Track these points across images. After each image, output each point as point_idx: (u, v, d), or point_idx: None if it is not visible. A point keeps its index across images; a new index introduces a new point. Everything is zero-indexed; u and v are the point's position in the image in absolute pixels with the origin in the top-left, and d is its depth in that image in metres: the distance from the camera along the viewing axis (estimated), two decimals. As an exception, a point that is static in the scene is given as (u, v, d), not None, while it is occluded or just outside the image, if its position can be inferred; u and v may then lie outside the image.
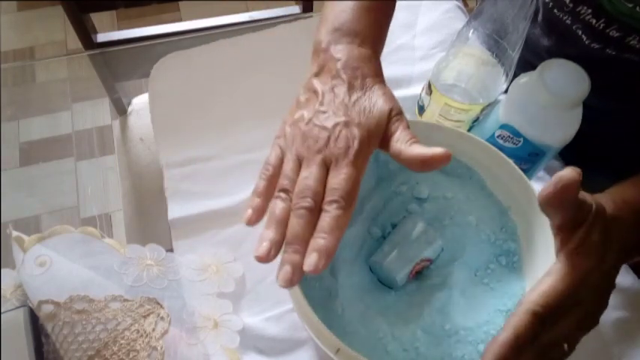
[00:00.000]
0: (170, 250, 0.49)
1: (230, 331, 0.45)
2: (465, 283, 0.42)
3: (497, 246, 0.43)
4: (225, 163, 0.55)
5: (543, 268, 0.39)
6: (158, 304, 0.44)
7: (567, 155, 0.55)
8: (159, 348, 0.41)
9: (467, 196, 0.45)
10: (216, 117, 0.58)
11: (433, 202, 0.45)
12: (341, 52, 0.39)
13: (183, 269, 0.47)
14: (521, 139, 0.46)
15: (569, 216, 0.31)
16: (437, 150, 0.33)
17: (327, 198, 0.33)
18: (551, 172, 0.56)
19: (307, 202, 0.33)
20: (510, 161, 0.42)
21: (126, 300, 0.44)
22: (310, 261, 0.31)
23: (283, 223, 0.33)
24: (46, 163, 0.71)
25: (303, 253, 0.32)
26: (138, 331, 0.42)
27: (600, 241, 0.31)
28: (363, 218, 0.44)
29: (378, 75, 0.39)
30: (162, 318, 0.43)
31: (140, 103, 0.75)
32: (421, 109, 0.54)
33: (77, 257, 0.46)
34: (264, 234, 0.33)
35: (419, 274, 0.44)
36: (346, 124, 0.35)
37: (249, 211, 0.35)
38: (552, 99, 0.42)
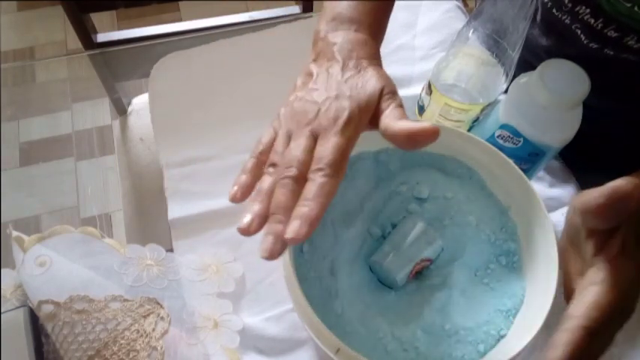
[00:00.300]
0: (170, 250, 0.49)
1: (230, 331, 0.45)
2: (465, 283, 0.42)
3: (497, 246, 0.43)
4: (225, 163, 0.55)
5: (543, 268, 0.39)
6: (158, 304, 0.44)
7: (567, 155, 0.55)
8: (159, 348, 0.41)
9: (467, 196, 0.45)
10: (216, 117, 0.58)
11: (433, 202, 0.45)
12: (337, 37, 0.39)
13: (183, 269, 0.47)
14: (521, 139, 0.46)
15: (614, 225, 0.30)
16: (424, 124, 0.32)
17: (313, 167, 0.32)
18: (551, 172, 0.56)
19: (292, 172, 0.32)
20: (510, 161, 0.42)
21: (126, 300, 0.44)
22: (292, 228, 0.30)
23: (270, 196, 0.32)
24: (46, 163, 0.71)
25: (285, 223, 0.30)
26: (138, 331, 0.42)
27: (637, 243, 0.30)
28: (363, 218, 0.44)
29: (373, 57, 0.39)
30: (162, 318, 0.43)
31: (140, 103, 0.75)
32: (421, 109, 0.54)
33: (77, 257, 0.46)
34: (249, 207, 0.32)
35: (419, 274, 0.44)
36: (336, 97, 0.35)
37: (235, 187, 0.34)
38: (552, 99, 0.42)
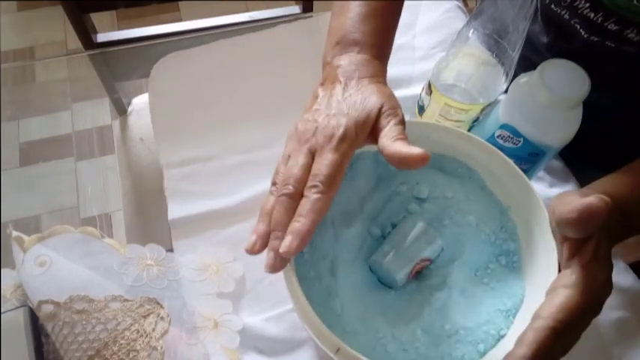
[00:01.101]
0: (170, 250, 0.49)
1: (230, 331, 0.45)
2: (465, 283, 0.42)
3: (497, 246, 0.43)
4: (225, 163, 0.55)
5: (543, 267, 0.39)
6: (158, 304, 0.44)
7: (567, 155, 0.55)
8: (159, 348, 0.41)
9: (467, 196, 0.45)
10: (216, 117, 0.58)
11: (433, 201, 0.45)
12: (341, 60, 0.41)
13: (183, 269, 0.47)
14: (521, 139, 0.46)
15: (587, 235, 0.31)
16: (415, 150, 0.34)
17: (308, 184, 0.34)
18: (551, 172, 0.56)
19: (288, 189, 0.34)
20: (510, 161, 0.42)
21: (126, 300, 0.44)
22: (284, 243, 0.32)
23: (271, 214, 0.35)
24: (46, 163, 0.71)
25: (282, 239, 0.33)
26: (138, 331, 0.42)
27: (609, 248, 0.32)
28: (363, 218, 0.44)
29: (375, 76, 0.40)
30: (162, 318, 0.43)
31: (140, 103, 0.75)
32: (421, 109, 0.54)
33: (77, 257, 0.46)
34: (254, 228, 0.35)
35: (419, 274, 0.44)
36: (334, 115, 0.36)
37: (253, 237, 0.35)
38: (552, 99, 0.42)
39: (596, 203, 0.29)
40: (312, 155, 0.35)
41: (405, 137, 0.36)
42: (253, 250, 0.34)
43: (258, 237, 0.34)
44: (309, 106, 0.39)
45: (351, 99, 0.37)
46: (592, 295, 0.31)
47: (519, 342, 0.30)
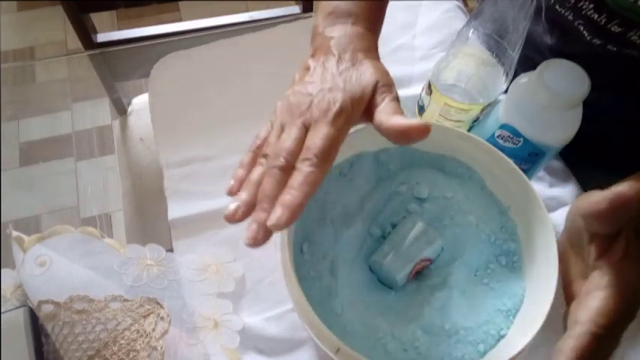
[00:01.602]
0: (170, 250, 0.49)
1: (230, 331, 0.45)
2: (465, 283, 0.42)
3: (497, 246, 0.43)
4: (225, 163, 0.55)
5: (543, 268, 0.39)
6: (158, 304, 0.44)
7: (567, 155, 0.55)
8: (159, 348, 0.41)
9: (467, 196, 0.45)
10: (216, 117, 0.58)
11: (433, 202, 0.45)
12: (334, 32, 0.40)
13: (183, 269, 0.47)
14: (521, 139, 0.46)
15: (617, 229, 0.30)
16: (416, 122, 0.33)
17: (301, 156, 0.32)
18: (551, 172, 0.56)
19: (279, 161, 0.32)
20: (510, 161, 0.42)
21: (126, 300, 0.44)
22: (273, 215, 0.30)
23: (258, 185, 0.33)
24: (46, 163, 0.71)
25: (270, 211, 0.31)
26: (138, 331, 0.42)
27: (639, 247, 0.30)
28: (363, 218, 0.44)
29: (369, 50, 0.39)
30: (162, 318, 0.43)
31: (140, 103, 0.75)
32: (421, 109, 0.54)
33: (77, 257, 0.46)
34: (237, 196, 0.33)
35: (419, 274, 0.44)
36: (330, 90, 0.35)
37: (231, 182, 0.35)
38: (552, 99, 0.42)
39: (627, 191, 0.28)
40: (306, 129, 0.34)
41: (401, 112, 0.35)
42: (234, 218, 0.32)
43: (241, 204, 0.32)
44: (299, 77, 0.38)
45: (347, 73, 0.37)
46: (628, 294, 0.29)
47: (558, 351, 0.28)
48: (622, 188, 0.28)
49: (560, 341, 0.29)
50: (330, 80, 0.36)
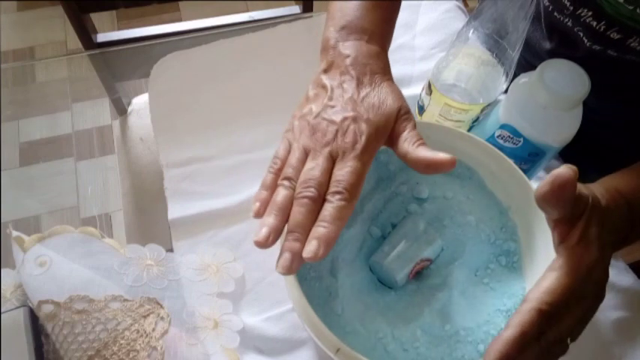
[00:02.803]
0: (170, 250, 0.49)
1: (230, 331, 0.45)
2: (465, 283, 0.42)
3: (497, 246, 0.43)
4: (225, 163, 0.55)
5: (543, 267, 0.39)
6: (158, 304, 0.44)
7: (567, 155, 0.55)
8: (159, 348, 0.41)
9: (467, 196, 0.45)
10: (216, 117, 0.58)
11: (433, 202, 0.45)
12: (349, 48, 0.40)
13: (183, 269, 0.47)
14: (521, 139, 0.46)
15: (567, 212, 0.31)
16: (442, 156, 0.34)
17: (331, 189, 0.33)
18: (551, 172, 0.56)
19: (311, 192, 0.33)
20: (510, 161, 0.42)
21: (126, 300, 0.44)
22: (310, 248, 0.31)
23: (284, 210, 0.34)
24: (46, 163, 0.71)
25: (303, 242, 0.32)
26: (138, 331, 0.42)
27: (599, 234, 0.31)
28: (363, 218, 0.44)
29: (386, 72, 0.40)
30: (162, 318, 0.43)
31: (140, 103, 0.75)
32: (421, 109, 0.54)
33: (77, 257, 0.46)
34: (264, 220, 0.33)
35: (419, 274, 0.44)
36: (354, 119, 0.36)
37: (257, 204, 0.35)
38: (552, 99, 0.42)
39: (564, 173, 0.29)
40: (333, 160, 0.35)
41: (424, 142, 0.36)
42: (266, 244, 0.33)
43: (271, 230, 0.33)
44: (313, 95, 0.38)
45: (368, 100, 0.37)
46: (580, 275, 0.30)
47: (507, 325, 0.30)
48: (561, 170, 0.30)
49: (511, 317, 0.30)
50: (352, 108, 0.37)
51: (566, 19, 0.50)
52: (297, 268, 0.32)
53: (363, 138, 0.35)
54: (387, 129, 0.37)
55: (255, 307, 0.47)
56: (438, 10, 0.68)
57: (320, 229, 0.32)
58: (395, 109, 0.37)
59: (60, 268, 0.44)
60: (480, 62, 0.47)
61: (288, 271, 0.32)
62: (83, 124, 0.86)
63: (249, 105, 0.59)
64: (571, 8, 0.48)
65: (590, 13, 0.47)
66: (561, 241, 0.32)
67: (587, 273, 0.31)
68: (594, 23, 0.47)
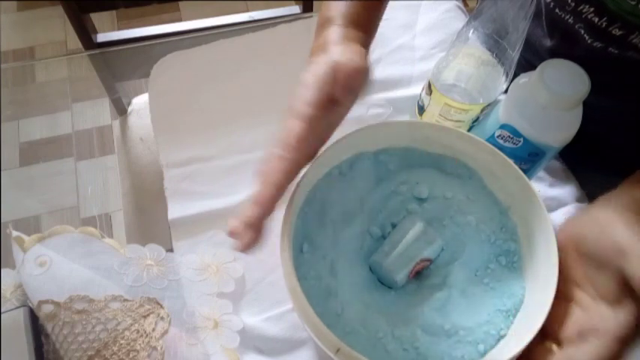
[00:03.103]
0: (170, 250, 0.49)
1: (230, 331, 0.45)
2: (465, 283, 0.42)
3: (497, 246, 0.43)
4: (225, 163, 0.55)
5: (543, 268, 0.39)
6: (158, 304, 0.44)
7: (567, 155, 0.55)
8: (159, 348, 0.41)
9: (467, 196, 0.45)
10: (216, 117, 0.58)
11: (433, 202, 0.45)
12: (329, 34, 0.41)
13: (183, 269, 0.47)
14: (521, 139, 0.46)
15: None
16: None
17: None
18: (551, 172, 0.56)
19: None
20: (510, 161, 0.42)
21: (126, 300, 0.44)
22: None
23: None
24: (46, 163, 0.71)
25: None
26: (138, 331, 0.42)
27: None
28: (363, 218, 0.44)
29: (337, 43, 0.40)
30: (162, 318, 0.43)
31: (140, 103, 0.75)
32: (421, 109, 0.54)
33: (77, 257, 0.46)
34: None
35: (419, 274, 0.44)
36: None
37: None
38: (552, 99, 0.42)
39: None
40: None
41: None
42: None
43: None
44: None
45: None
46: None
47: None
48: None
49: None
50: None
51: (568, 16, 0.50)
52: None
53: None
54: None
55: (255, 307, 0.47)
56: (437, 10, 0.68)
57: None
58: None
59: (60, 268, 0.44)
60: (480, 62, 0.47)
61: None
62: (83, 124, 0.86)
63: (249, 105, 0.59)
64: (573, 4, 0.48)
65: (591, 9, 0.47)
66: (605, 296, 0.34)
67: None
68: (596, 19, 0.47)
